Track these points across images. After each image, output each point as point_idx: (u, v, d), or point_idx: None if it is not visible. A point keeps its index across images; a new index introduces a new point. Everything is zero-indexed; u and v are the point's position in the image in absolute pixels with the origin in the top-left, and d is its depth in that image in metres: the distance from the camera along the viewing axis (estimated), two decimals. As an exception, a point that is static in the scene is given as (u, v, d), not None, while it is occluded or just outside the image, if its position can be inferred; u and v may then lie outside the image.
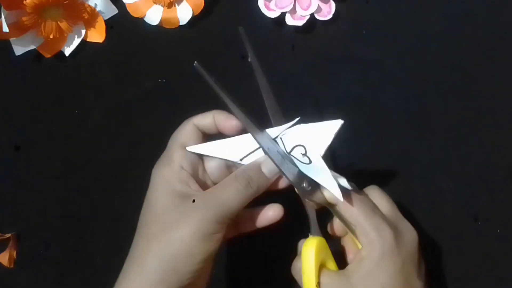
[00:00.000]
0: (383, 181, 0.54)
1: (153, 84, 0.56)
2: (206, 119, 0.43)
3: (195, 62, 0.40)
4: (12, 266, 0.54)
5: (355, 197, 0.42)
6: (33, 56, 0.57)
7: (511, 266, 0.52)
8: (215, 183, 0.43)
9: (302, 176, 0.42)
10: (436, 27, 0.56)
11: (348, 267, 0.42)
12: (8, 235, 0.54)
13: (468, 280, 0.52)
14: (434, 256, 0.52)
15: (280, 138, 0.42)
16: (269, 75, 0.56)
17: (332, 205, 0.42)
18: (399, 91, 0.55)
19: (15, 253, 0.54)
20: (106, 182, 0.55)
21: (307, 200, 0.42)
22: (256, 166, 0.42)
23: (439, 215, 0.53)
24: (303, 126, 0.42)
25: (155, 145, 0.54)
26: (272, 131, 0.43)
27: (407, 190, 0.54)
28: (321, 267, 0.41)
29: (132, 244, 0.41)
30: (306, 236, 0.42)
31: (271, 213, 0.43)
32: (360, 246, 0.42)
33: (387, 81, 0.55)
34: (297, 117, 0.42)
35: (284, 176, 0.42)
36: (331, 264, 0.42)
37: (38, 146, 0.56)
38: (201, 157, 0.43)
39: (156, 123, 0.56)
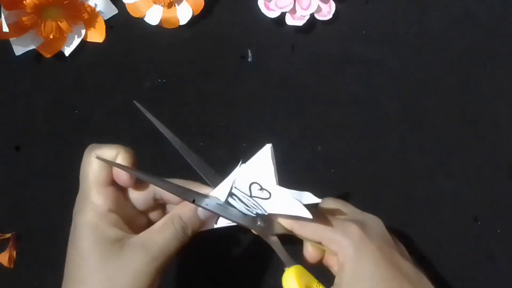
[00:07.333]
0: (383, 181, 0.54)
1: (153, 84, 0.56)
2: (108, 154, 0.41)
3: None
4: (12, 266, 0.54)
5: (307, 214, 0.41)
6: (33, 56, 0.57)
7: (511, 266, 0.52)
8: (140, 212, 0.43)
9: (253, 217, 0.41)
10: (436, 27, 0.56)
11: (335, 280, 0.41)
12: (8, 235, 0.54)
13: (468, 280, 0.52)
14: (434, 256, 0.52)
15: (235, 187, 0.41)
16: (269, 75, 0.56)
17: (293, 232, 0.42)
18: (399, 91, 0.55)
19: (15, 253, 0.54)
20: (106, 182, 0.55)
21: (269, 236, 0.41)
22: (193, 210, 0.41)
23: (439, 215, 0.53)
24: (243, 166, 0.40)
25: (155, 145, 0.54)
26: (222, 188, 0.41)
27: (407, 190, 0.54)
28: None
29: None
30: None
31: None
32: None
33: (387, 81, 0.55)
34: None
35: (236, 223, 0.41)
36: (318, 286, 0.41)
37: (38, 146, 0.56)
38: (121, 189, 0.42)
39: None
